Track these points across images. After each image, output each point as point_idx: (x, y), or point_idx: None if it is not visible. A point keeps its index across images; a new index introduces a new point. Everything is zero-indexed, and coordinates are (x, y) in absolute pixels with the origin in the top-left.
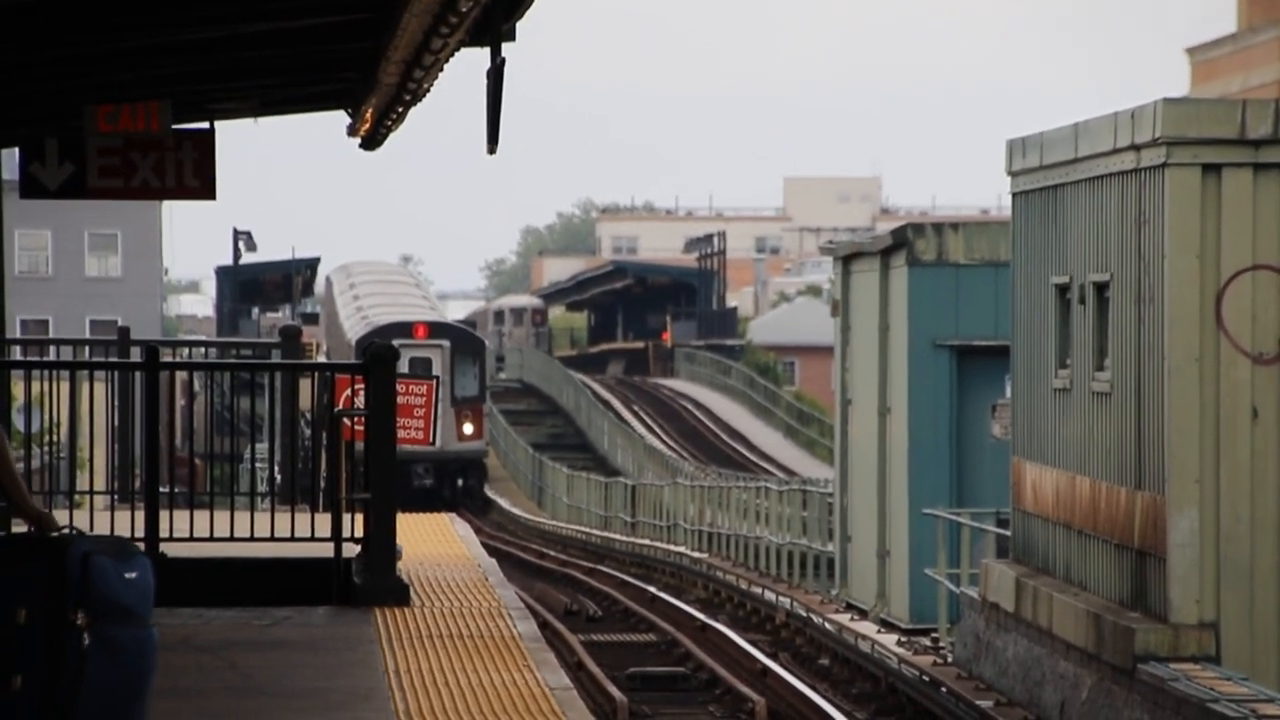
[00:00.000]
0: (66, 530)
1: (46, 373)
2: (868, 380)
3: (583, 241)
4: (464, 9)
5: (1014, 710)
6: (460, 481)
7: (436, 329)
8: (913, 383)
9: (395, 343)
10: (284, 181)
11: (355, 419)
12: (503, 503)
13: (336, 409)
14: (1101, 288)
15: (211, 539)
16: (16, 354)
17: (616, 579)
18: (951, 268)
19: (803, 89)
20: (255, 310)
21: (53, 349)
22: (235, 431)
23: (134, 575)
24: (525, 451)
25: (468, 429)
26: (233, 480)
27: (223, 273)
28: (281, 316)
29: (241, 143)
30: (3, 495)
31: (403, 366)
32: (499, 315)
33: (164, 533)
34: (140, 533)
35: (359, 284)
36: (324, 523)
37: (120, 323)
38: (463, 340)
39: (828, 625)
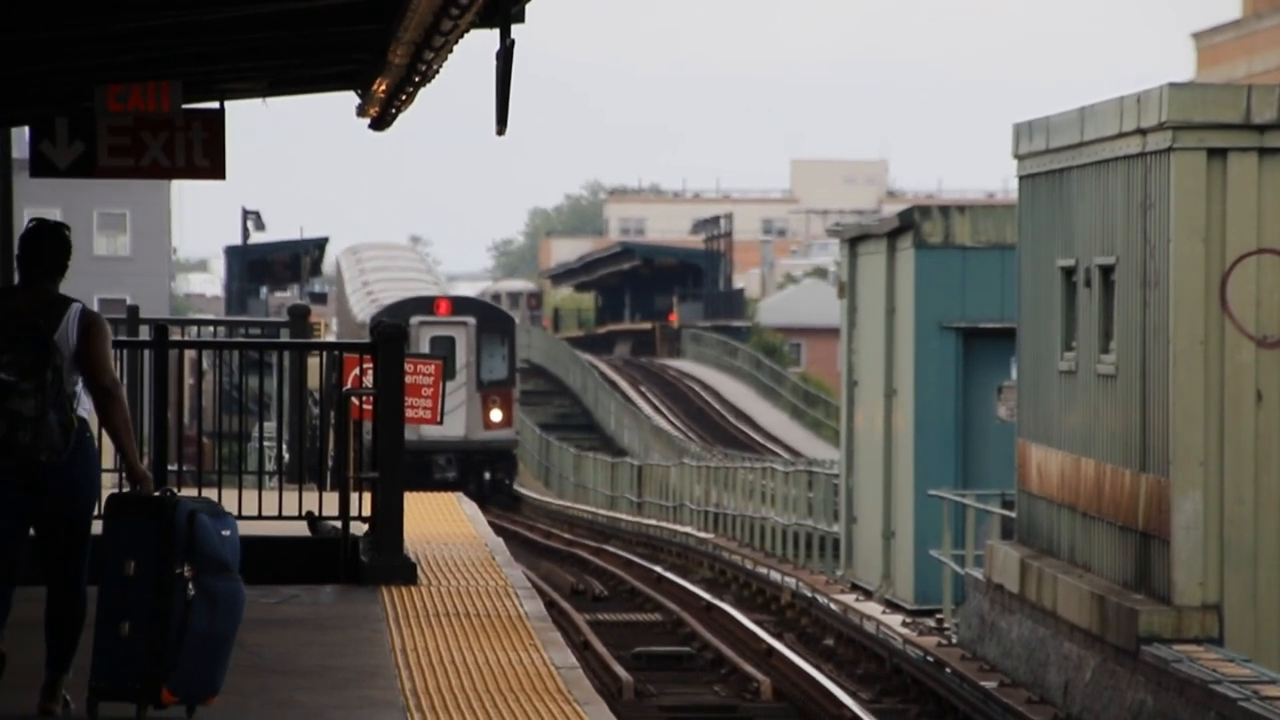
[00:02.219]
0: (164, 492)
1: None
2: (874, 362)
3: (590, 223)
4: None
5: (1018, 691)
6: (487, 475)
7: (460, 304)
8: (919, 365)
9: (415, 320)
10: (293, 161)
11: (363, 398)
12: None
13: (345, 388)
14: (1107, 271)
15: None
16: None
17: (623, 559)
18: (958, 250)
19: (810, 71)
20: (264, 290)
21: None
22: (244, 410)
23: (228, 533)
24: (532, 432)
25: (495, 416)
26: (240, 459)
27: (231, 252)
28: (290, 296)
29: (251, 123)
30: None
31: (424, 346)
32: (495, 299)
33: None
34: None
35: (368, 265)
36: (332, 501)
37: (129, 302)
38: (489, 317)
39: (833, 606)
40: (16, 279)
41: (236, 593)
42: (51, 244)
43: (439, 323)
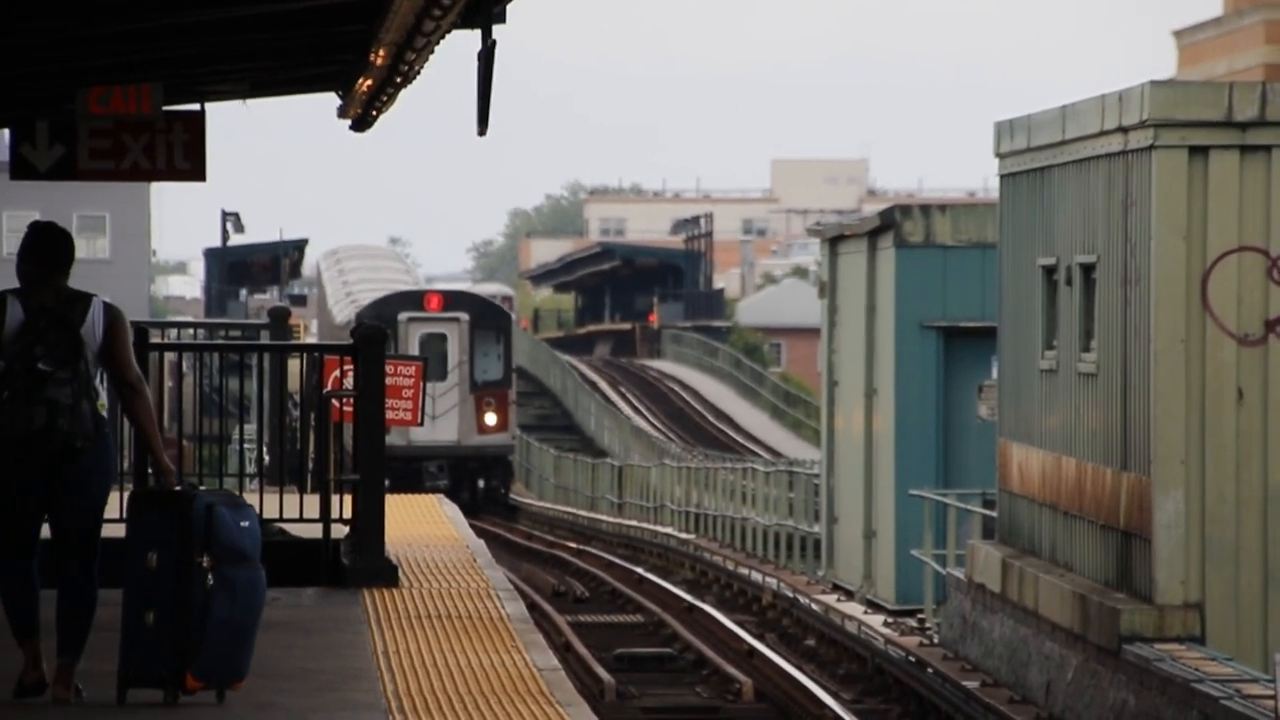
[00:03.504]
0: (184, 485)
1: None
2: (855, 362)
3: (570, 223)
4: None
5: (1000, 691)
6: (481, 483)
7: (453, 299)
8: (900, 364)
9: (404, 316)
10: (272, 163)
11: (344, 400)
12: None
13: (325, 390)
14: (1088, 269)
15: None
16: None
17: (604, 560)
18: (939, 249)
19: (790, 71)
20: (243, 292)
21: None
22: (224, 413)
23: (247, 524)
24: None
25: (490, 419)
26: (221, 461)
27: (211, 254)
28: (269, 298)
29: (230, 124)
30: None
31: (413, 345)
32: None
33: None
34: None
35: (348, 268)
36: (312, 504)
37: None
38: (484, 313)
39: (814, 606)
40: (23, 279)
41: (256, 581)
42: (58, 241)
43: (429, 319)
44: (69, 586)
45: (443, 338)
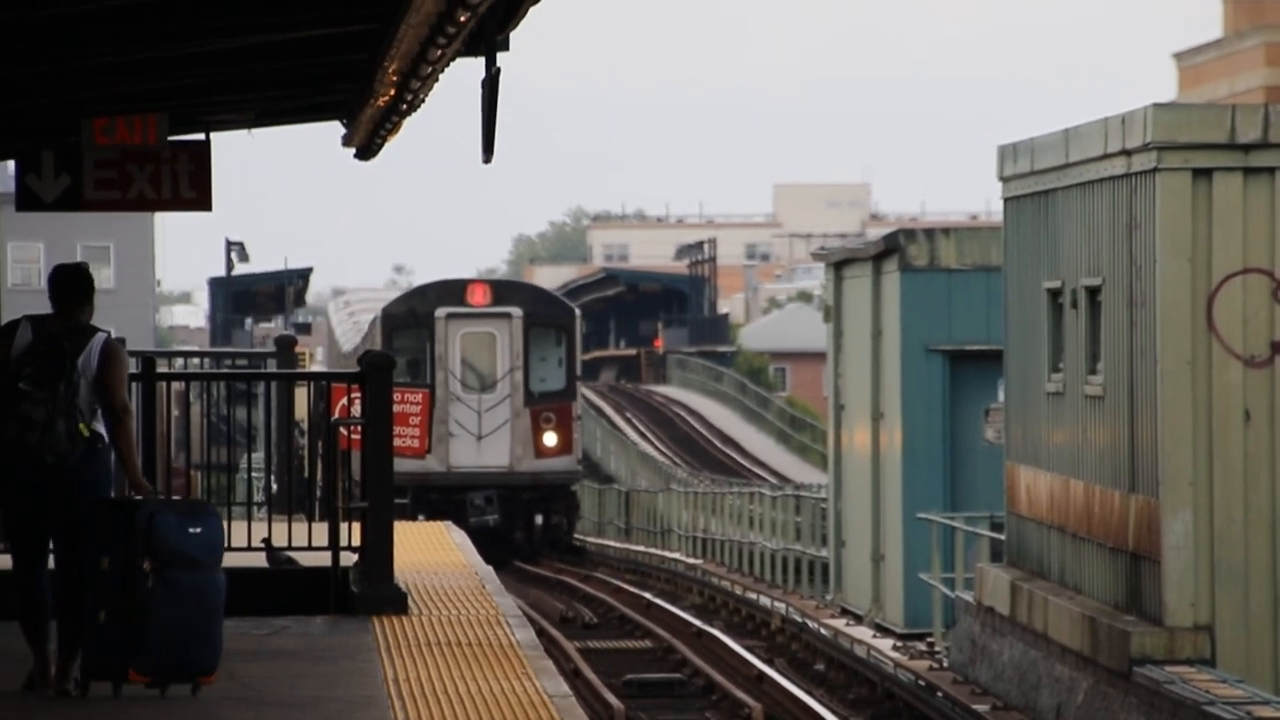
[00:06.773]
0: (158, 498)
1: None
2: (861, 385)
3: (574, 249)
4: (461, 20)
5: (1010, 714)
6: (540, 519)
7: (502, 291)
8: (906, 388)
9: (442, 312)
10: (276, 192)
11: (351, 428)
12: None
13: (333, 418)
14: (1093, 292)
15: None
16: None
17: (612, 586)
18: (943, 273)
19: (792, 96)
20: (248, 321)
21: None
22: (231, 441)
23: (199, 530)
24: None
25: (550, 440)
26: (229, 490)
27: (215, 284)
28: (275, 327)
29: (234, 153)
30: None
31: (454, 347)
32: None
33: None
34: None
35: (356, 305)
36: (321, 532)
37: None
38: (541, 307)
39: (823, 630)
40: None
41: (207, 585)
42: (68, 278)
43: (474, 315)
44: (61, 589)
45: (490, 338)
